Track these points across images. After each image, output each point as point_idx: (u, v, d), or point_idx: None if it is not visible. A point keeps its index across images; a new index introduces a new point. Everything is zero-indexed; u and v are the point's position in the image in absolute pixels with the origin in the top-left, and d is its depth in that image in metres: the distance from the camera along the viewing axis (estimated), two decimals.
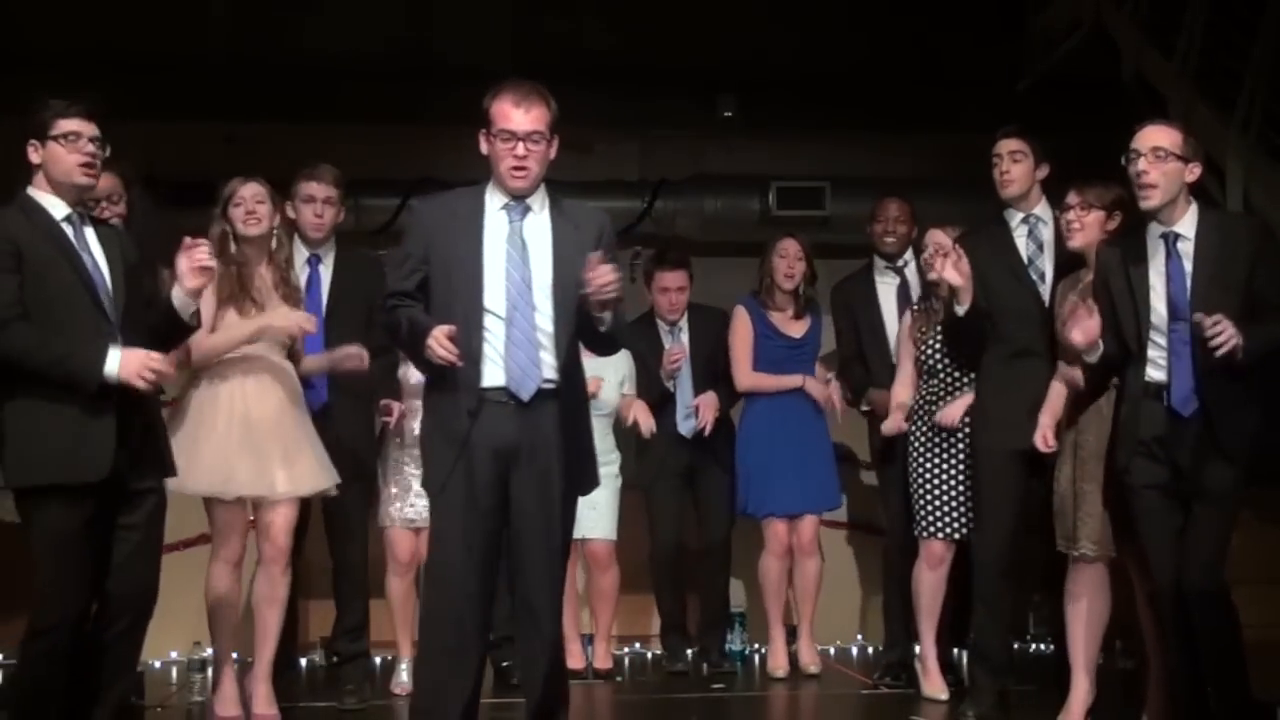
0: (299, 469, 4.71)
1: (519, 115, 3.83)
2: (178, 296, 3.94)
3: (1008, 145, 5.00)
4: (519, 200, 3.90)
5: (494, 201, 3.92)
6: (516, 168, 3.84)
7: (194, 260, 3.91)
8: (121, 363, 3.72)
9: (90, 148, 3.83)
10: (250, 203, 4.72)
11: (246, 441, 4.63)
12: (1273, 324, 4.03)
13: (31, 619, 3.77)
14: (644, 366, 5.93)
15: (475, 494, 3.81)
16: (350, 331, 5.04)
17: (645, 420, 5.74)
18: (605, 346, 4.09)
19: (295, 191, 5.19)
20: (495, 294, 3.83)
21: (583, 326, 3.87)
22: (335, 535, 5.22)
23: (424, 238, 3.94)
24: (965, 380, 5.15)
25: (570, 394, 3.90)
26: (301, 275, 5.15)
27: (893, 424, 5.34)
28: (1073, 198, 4.58)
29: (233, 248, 4.73)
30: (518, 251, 3.86)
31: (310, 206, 5.18)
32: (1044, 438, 4.62)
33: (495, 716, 4.56)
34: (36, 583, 3.75)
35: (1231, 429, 4.03)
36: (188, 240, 3.95)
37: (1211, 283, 4.05)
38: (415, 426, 5.12)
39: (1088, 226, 4.54)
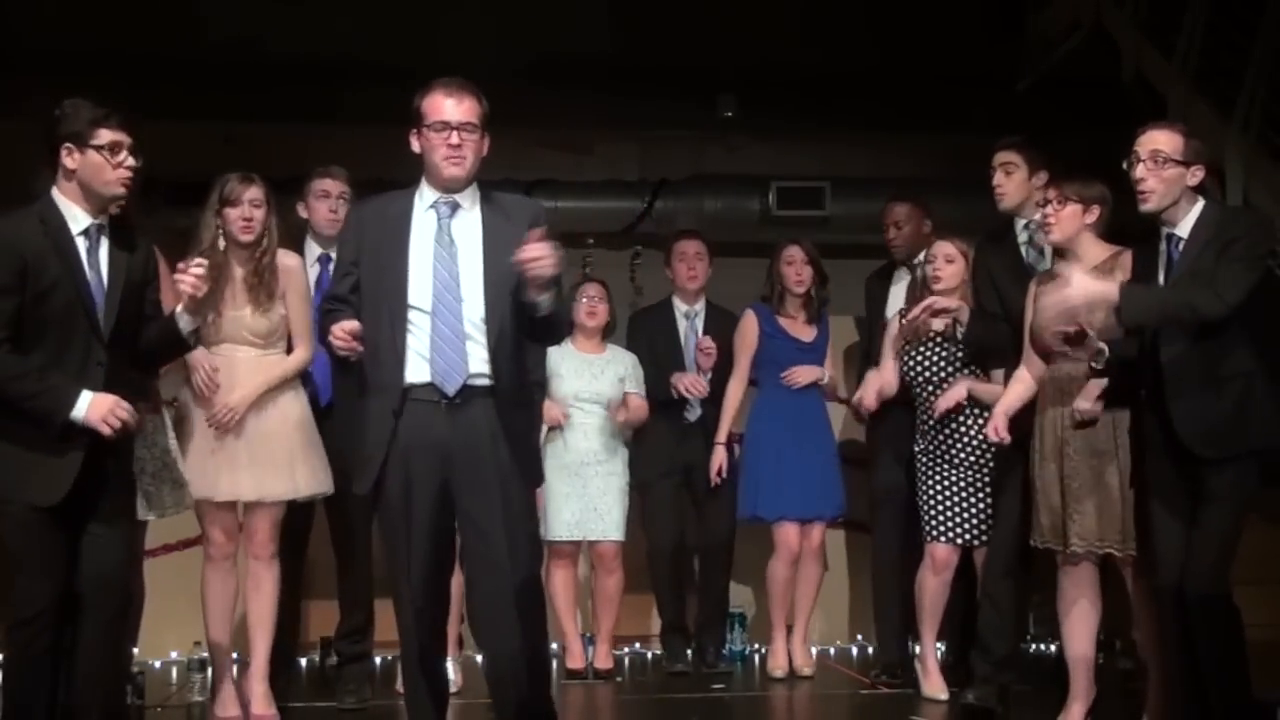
0: (287, 471, 4.72)
1: (451, 105, 3.83)
2: (180, 315, 3.89)
3: (1000, 157, 5.03)
4: (449, 195, 3.87)
5: (423, 201, 3.90)
6: (451, 157, 3.82)
7: (185, 284, 3.84)
8: (90, 406, 3.68)
9: (131, 160, 3.80)
10: (248, 208, 4.70)
11: (234, 444, 4.65)
12: (1180, 289, 3.95)
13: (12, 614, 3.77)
14: (653, 359, 5.94)
15: (412, 495, 3.77)
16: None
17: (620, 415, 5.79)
18: (547, 334, 3.96)
19: (309, 189, 5.20)
20: (421, 290, 3.79)
21: (522, 314, 3.79)
22: (338, 535, 5.22)
23: (354, 240, 3.94)
24: (970, 405, 5.16)
25: (507, 389, 3.82)
26: (312, 274, 5.16)
27: (861, 395, 5.49)
28: (1050, 193, 4.57)
29: (221, 244, 4.71)
30: (445, 248, 3.82)
31: (325, 203, 5.19)
32: (994, 428, 4.63)
33: (490, 717, 4.55)
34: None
35: (1194, 426, 3.96)
36: (182, 265, 3.88)
37: (1185, 274, 4.01)
38: None
39: (1064, 220, 4.51)
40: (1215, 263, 3.95)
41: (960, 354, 5.18)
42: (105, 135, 3.77)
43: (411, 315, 3.79)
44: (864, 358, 5.94)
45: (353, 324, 3.75)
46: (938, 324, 5.16)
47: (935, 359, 5.22)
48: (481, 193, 3.93)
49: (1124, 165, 4.11)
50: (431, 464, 3.77)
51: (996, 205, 5.04)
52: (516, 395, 3.87)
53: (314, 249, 5.27)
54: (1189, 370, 3.99)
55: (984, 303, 5.05)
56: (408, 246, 3.83)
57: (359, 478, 3.88)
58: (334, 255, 5.18)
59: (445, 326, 3.77)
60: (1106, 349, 4.19)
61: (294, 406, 4.81)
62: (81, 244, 3.80)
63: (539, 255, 3.63)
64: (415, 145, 3.89)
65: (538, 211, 3.97)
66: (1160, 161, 4.03)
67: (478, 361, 3.78)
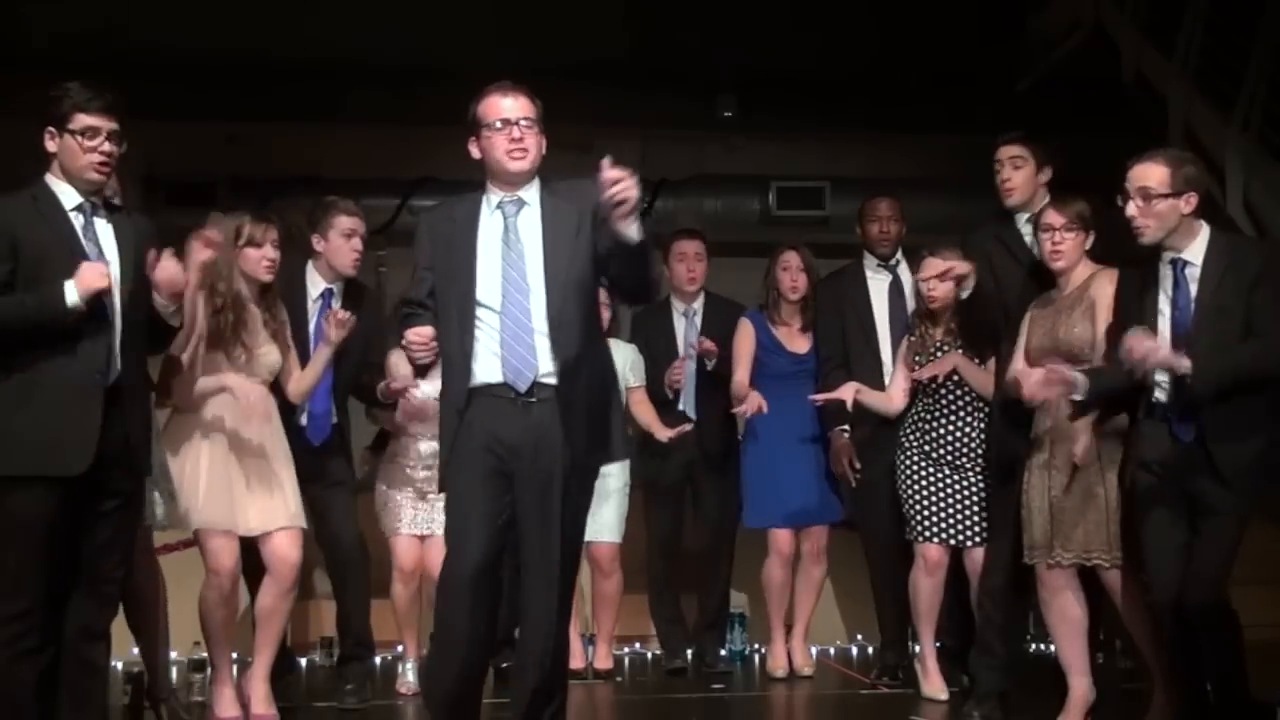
0: (288, 499, 4.72)
1: (509, 103, 3.88)
2: (158, 300, 3.91)
3: (1008, 151, 4.98)
4: (513, 192, 3.91)
5: (490, 203, 3.94)
6: (514, 150, 3.86)
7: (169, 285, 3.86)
8: (78, 280, 3.67)
9: (107, 146, 3.80)
10: (270, 249, 4.69)
11: (234, 475, 4.63)
12: (1243, 350, 3.99)
13: None
14: (651, 359, 5.94)
15: (477, 491, 3.81)
16: (353, 366, 5.10)
17: (661, 433, 5.73)
18: (639, 271, 3.86)
19: (329, 224, 5.12)
20: (490, 290, 3.84)
21: (615, 262, 3.78)
22: (324, 541, 5.20)
23: (427, 245, 3.99)
24: (963, 398, 5.16)
25: (578, 383, 3.84)
26: (313, 310, 5.14)
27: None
28: (1055, 218, 4.53)
29: (238, 283, 4.65)
30: (512, 247, 3.87)
31: (350, 241, 5.12)
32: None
33: (496, 717, 4.55)
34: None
35: (1230, 457, 3.99)
36: (155, 256, 3.87)
37: (1211, 310, 4.03)
38: (420, 437, 5.22)
39: (1071, 249, 4.52)
40: (1244, 304, 3.99)
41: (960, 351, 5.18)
42: (81, 120, 3.78)
43: (483, 315, 3.83)
44: (835, 366, 5.73)
45: (428, 329, 3.83)
46: (941, 291, 5.08)
47: (935, 357, 5.22)
48: (542, 184, 3.96)
49: (1118, 201, 4.13)
50: (498, 456, 3.81)
51: (1002, 201, 5.01)
52: (588, 386, 3.87)
53: (318, 283, 5.18)
54: (1230, 409, 4.00)
55: (981, 285, 5.01)
56: (476, 249, 3.87)
57: (441, 475, 3.97)
58: (335, 290, 5.19)
59: (514, 324, 3.81)
60: (1085, 381, 4.20)
61: (281, 434, 4.79)
62: (76, 219, 3.82)
63: (618, 178, 3.60)
64: (475, 151, 3.92)
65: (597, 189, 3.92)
66: (1149, 199, 4.05)
67: (547, 358, 3.81)
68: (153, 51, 6.67)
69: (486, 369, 3.82)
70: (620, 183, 3.61)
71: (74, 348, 3.74)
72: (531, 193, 3.94)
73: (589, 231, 3.84)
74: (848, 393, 5.30)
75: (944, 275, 4.95)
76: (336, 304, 5.13)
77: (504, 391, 3.81)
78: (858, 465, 5.61)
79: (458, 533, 3.86)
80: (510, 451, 3.81)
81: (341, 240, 5.12)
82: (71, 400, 3.73)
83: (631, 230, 3.70)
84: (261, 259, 4.69)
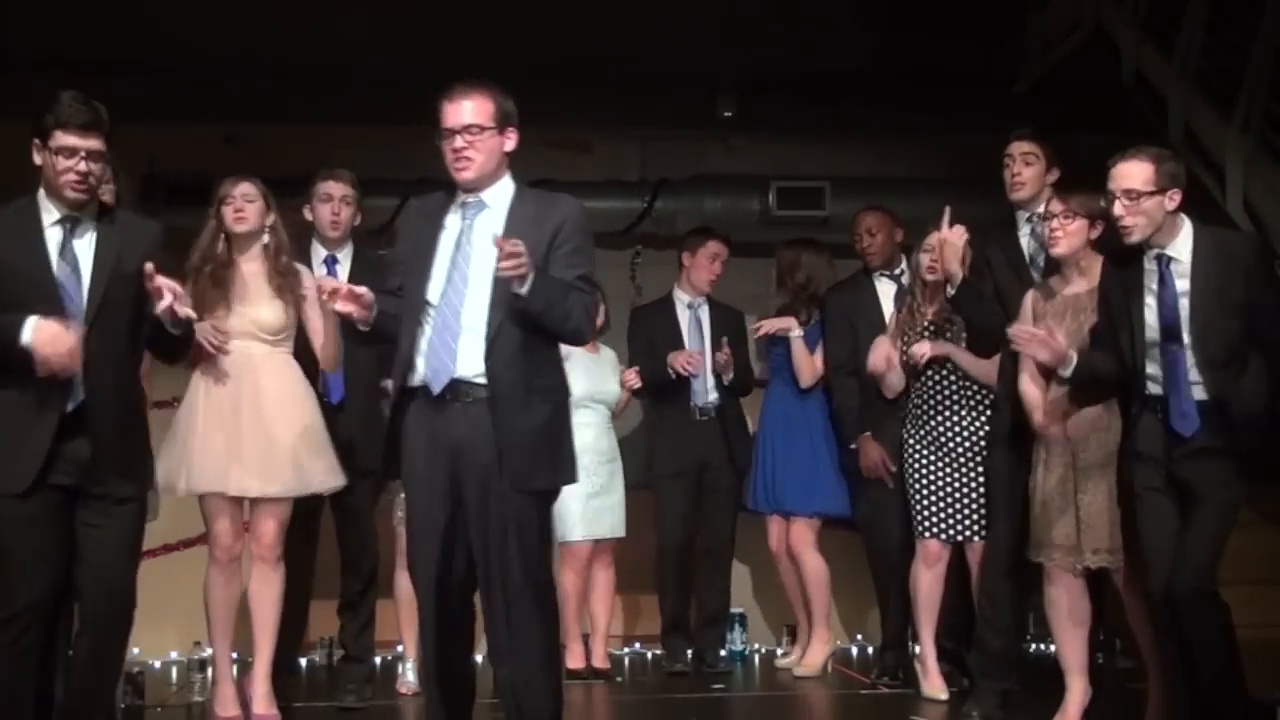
0: (293, 469, 4.71)
1: (451, 111, 3.83)
2: (162, 317, 3.83)
3: (1020, 147, 4.98)
4: (473, 195, 3.89)
5: (456, 201, 3.93)
6: (455, 162, 3.83)
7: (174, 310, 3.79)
8: (35, 330, 3.60)
9: (83, 166, 3.73)
10: (239, 200, 4.72)
11: (241, 440, 4.63)
12: (1257, 374, 4.03)
13: None
14: (651, 351, 5.96)
15: (425, 485, 3.80)
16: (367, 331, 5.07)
17: (631, 378, 5.81)
18: (547, 325, 3.81)
19: (313, 191, 5.22)
20: (436, 290, 3.84)
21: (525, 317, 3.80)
22: (343, 533, 5.22)
23: (401, 239, 4.06)
24: (953, 381, 5.17)
25: (505, 390, 3.74)
26: (318, 275, 5.16)
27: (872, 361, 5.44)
28: (1055, 205, 4.56)
29: (220, 246, 4.72)
30: (462, 249, 3.84)
31: (328, 205, 5.20)
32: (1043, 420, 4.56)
33: (495, 717, 4.55)
34: None
35: (1246, 422, 4.01)
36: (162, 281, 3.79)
37: (1209, 308, 4.04)
38: None
39: (1071, 234, 4.52)
40: (1240, 298, 4.02)
41: (952, 341, 5.19)
42: (59, 138, 3.72)
43: (430, 313, 3.82)
44: (837, 372, 5.78)
45: (361, 289, 3.82)
46: (930, 274, 5.16)
47: (921, 336, 5.22)
48: (517, 189, 3.93)
49: (1101, 202, 4.14)
50: (437, 463, 3.78)
51: (1009, 194, 5.00)
52: (521, 397, 3.77)
53: (319, 251, 5.28)
54: (1241, 394, 4.03)
55: (980, 290, 5.03)
56: (434, 245, 3.87)
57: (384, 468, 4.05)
58: (339, 257, 5.23)
59: (442, 324, 3.78)
60: (1075, 356, 4.20)
61: (303, 407, 4.79)
62: (54, 234, 3.77)
63: (505, 253, 3.62)
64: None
65: (569, 212, 3.89)
66: (1135, 198, 4.05)
67: (471, 361, 3.75)
68: (153, 51, 6.67)
69: (417, 368, 3.81)
70: (510, 258, 3.61)
71: (33, 368, 3.65)
72: (498, 196, 3.90)
73: (546, 248, 3.79)
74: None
75: (933, 267, 5.02)
76: (342, 272, 5.17)
77: (425, 393, 3.79)
78: (893, 467, 5.53)
79: (417, 552, 3.87)
80: (449, 450, 3.76)
81: (320, 205, 5.20)
82: (23, 419, 3.69)
83: (521, 293, 3.67)
84: (231, 211, 4.71)
